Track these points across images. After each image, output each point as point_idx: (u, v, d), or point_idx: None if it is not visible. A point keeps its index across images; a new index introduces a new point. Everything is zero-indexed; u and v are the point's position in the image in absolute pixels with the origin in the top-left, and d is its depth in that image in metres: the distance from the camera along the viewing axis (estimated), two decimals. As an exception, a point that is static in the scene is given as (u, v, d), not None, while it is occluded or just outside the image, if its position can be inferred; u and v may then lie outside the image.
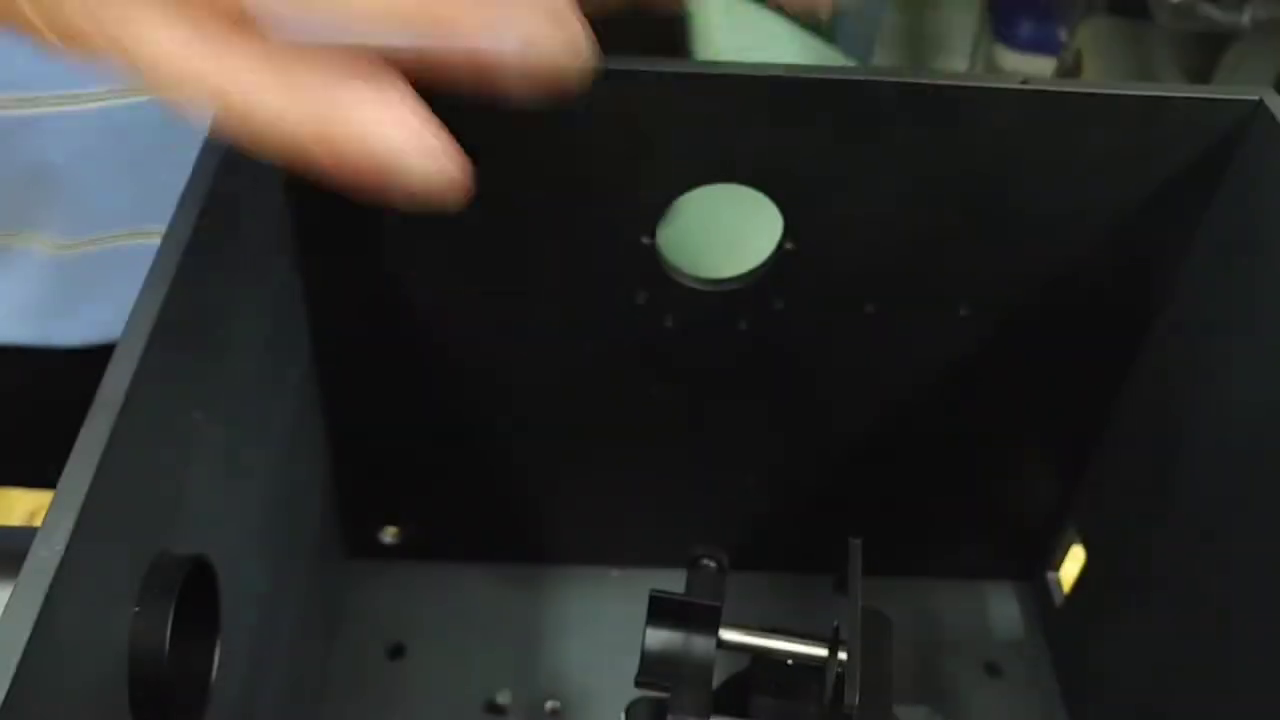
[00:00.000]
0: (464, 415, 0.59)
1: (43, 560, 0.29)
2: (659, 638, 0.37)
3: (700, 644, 0.36)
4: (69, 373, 0.62)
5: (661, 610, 0.37)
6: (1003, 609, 0.67)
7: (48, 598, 0.29)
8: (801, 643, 0.39)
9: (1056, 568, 0.65)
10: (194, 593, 0.36)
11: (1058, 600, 0.65)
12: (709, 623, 0.37)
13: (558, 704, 0.61)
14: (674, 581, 0.66)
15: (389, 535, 0.64)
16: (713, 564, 0.39)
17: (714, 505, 0.64)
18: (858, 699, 0.33)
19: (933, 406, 0.59)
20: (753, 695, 0.39)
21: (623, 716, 0.43)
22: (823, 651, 0.38)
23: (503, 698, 0.60)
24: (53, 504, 0.31)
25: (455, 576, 0.65)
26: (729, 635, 0.38)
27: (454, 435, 0.59)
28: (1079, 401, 0.59)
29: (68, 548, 0.30)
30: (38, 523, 0.63)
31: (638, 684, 0.37)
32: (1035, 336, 0.56)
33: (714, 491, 0.63)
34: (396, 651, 0.62)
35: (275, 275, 0.49)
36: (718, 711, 0.36)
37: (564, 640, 0.63)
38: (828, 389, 0.58)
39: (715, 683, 0.39)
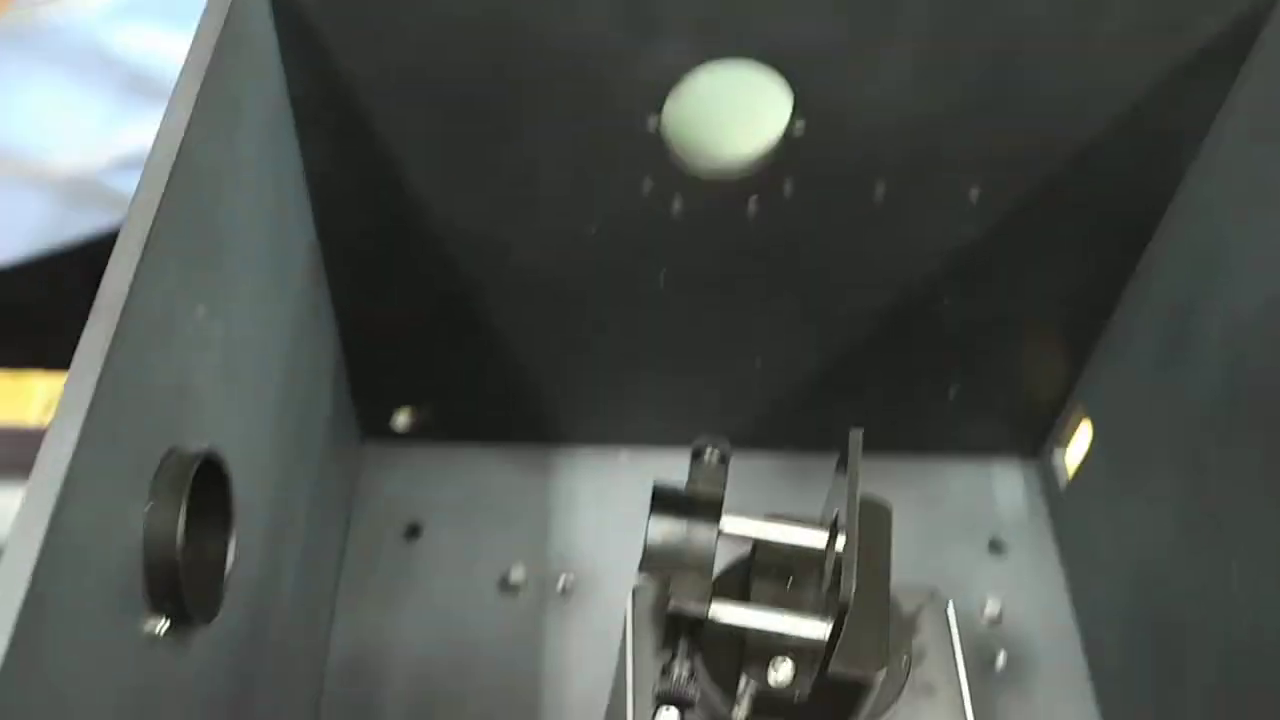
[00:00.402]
0: (470, 301, 0.59)
1: (52, 463, 0.30)
2: (661, 528, 0.37)
3: (701, 534, 0.37)
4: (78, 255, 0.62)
5: (664, 501, 0.38)
6: (1008, 487, 0.67)
7: (60, 499, 0.29)
8: (801, 530, 0.39)
9: (1064, 445, 0.66)
10: (207, 487, 0.37)
11: (1063, 479, 0.65)
12: (710, 513, 0.38)
13: (569, 580, 0.62)
14: (681, 462, 0.66)
15: (402, 419, 0.65)
16: (716, 454, 0.39)
17: (721, 388, 0.64)
18: (854, 590, 0.33)
19: (943, 288, 0.59)
20: (753, 580, 0.40)
21: (630, 597, 0.44)
22: (822, 540, 0.39)
23: (516, 575, 0.62)
24: (59, 408, 0.31)
25: (469, 458, 0.66)
26: (730, 524, 0.39)
27: (461, 321, 0.60)
28: (1091, 283, 0.59)
29: (76, 450, 0.30)
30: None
31: (639, 577, 0.37)
32: (1049, 219, 0.55)
33: (721, 374, 0.63)
34: (413, 532, 0.64)
35: (275, 164, 0.48)
36: (718, 597, 0.37)
37: (575, 519, 0.64)
38: (836, 273, 0.58)
39: (717, 569, 0.40)
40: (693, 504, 0.38)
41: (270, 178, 0.48)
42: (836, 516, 0.38)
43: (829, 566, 0.38)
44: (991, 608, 0.62)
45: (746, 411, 0.66)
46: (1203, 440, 0.52)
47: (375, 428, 0.65)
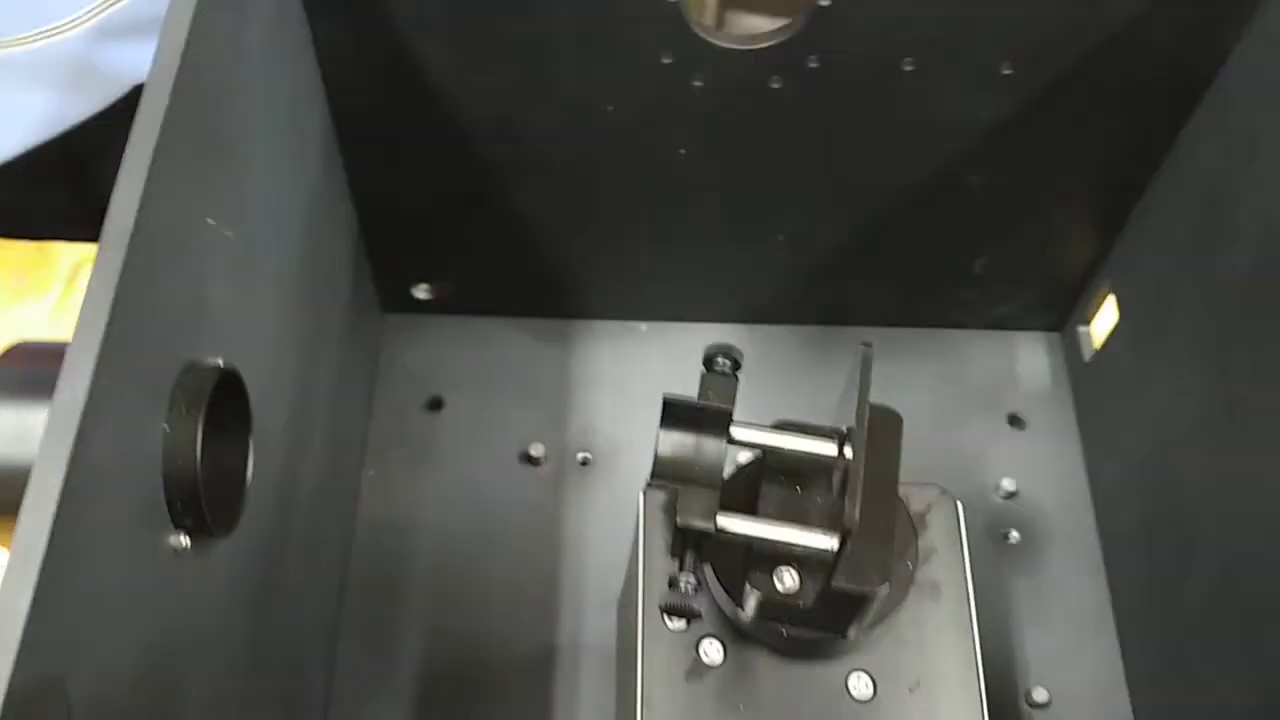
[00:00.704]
0: (488, 179, 0.58)
1: (72, 387, 0.30)
2: (671, 440, 0.38)
3: (710, 447, 0.37)
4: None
5: (674, 413, 0.38)
6: (1031, 361, 0.67)
7: (81, 422, 0.30)
8: (810, 440, 0.39)
9: (1089, 321, 0.65)
10: (226, 400, 0.37)
11: (1087, 354, 0.65)
12: (720, 427, 0.38)
13: (589, 455, 0.63)
14: (701, 335, 0.66)
15: (423, 291, 0.65)
16: (727, 364, 0.39)
17: (744, 261, 0.64)
18: (857, 516, 0.34)
19: (971, 163, 0.57)
20: (763, 484, 0.40)
21: (641, 496, 0.45)
22: (831, 449, 0.39)
23: (536, 450, 0.63)
24: (76, 332, 0.31)
25: (490, 331, 0.66)
26: (740, 433, 0.39)
27: (479, 199, 0.59)
28: (1123, 160, 0.57)
29: (95, 372, 0.30)
30: (83, 276, 0.64)
31: (649, 485, 0.38)
32: (1083, 95, 0.54)
33: (744, 249, 0.63)
34: (435, 404, 0.64)
35: (285, 50, 0.47)
36: (726, 507, 0.37)
37: (595, 393, 0.65)
38: (861, 148, 0.57)
39: (728, 471, 0.40)
40: (703, 417, 0.38)
41: (281, 65, 0.47)
42: (847, 429, 0.38)
43: (836, 479, 0.39)
44: (1008, 483, 0.63)
45: (769, 285, 0.65)
46: (1228, 328, 0.52)
47: (396, 301, 0.65)
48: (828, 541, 0.37)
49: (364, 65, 0.52)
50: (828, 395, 0.67)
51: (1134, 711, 0.57)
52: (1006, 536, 0.62)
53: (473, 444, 0.63)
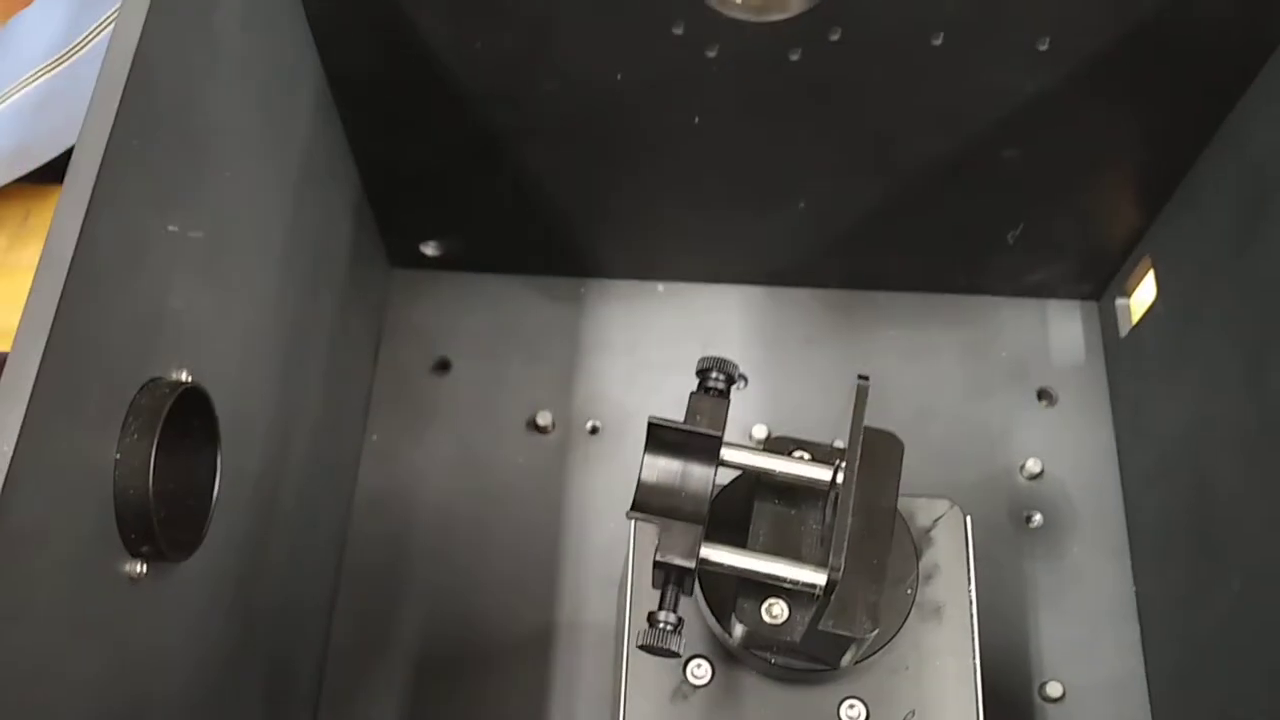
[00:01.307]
0: (495, 141, 0.55)
1: (7, 419, 0.29)
2: (656, 467, 0.35)
3: (697, 477, 0.35)
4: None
5: (660, 439, 0.36)
6: (1064, 331, 0.64)
7: (15, 453, 0.28)
8: (802, 466, 0.37)
9: (1128, 294, 0.62)
10: (187, 412, 0.35)
11: (1124, 328, 0.62)
12: (708, 455, 0.36)
13: (598, 423, 0.61)
14: (720, 297, 0.64)
15: (431, 248, 0.63)
16: (721, 380, 0.37)
17: (763, 225, 0.61)
18: (842, 566, 0.32)
19: (1006, 136, 0.54)
20: (756, 501, 0.38)
21: (631, 524, 0.43)
22: (825, 474, 0.37)
23: (543, 418, 0.61)
24: (10, 360, 0.30)
25: (500, 288, 0.64)
26: (730, 455, 0.37)
27: (486, 159, 0.56)
28: (1170, 132, 0.53)
29: (31, 403, 0.29)
30: (34, 222, 0.60)
31: (630, 516, 0.36)
32: (1129, 68, 0.50)
33: (763, 213, 0.60)
34: (442, 366, 0.63)
35: (267, 18, 0.45)
36: (715, 526, 0.35)
37: (607, 357, 0.63)
38: (889, 122, 0.53)
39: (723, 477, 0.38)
40: (691, 442, 0.36)
41: (263, 34, 0.44)
42: (839, 458, 0.36)
43: (828, 510, 0.37)
44: (1033, 464, 0.60)
45: (790, 249, 0.62)
46: (1270, 316, 0.48)
47: (404, 256, 0.63)
48: (816, 577, 0.35)
49: (358, 29, 0.49)
50: (848, 361, 0.65)
51: (1152, 710, 0.55)
52: (1029, 520, 0.59)
53: (479, 410, 0.61)
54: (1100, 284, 0.63)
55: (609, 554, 0.58)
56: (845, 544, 0.32)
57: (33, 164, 0.56)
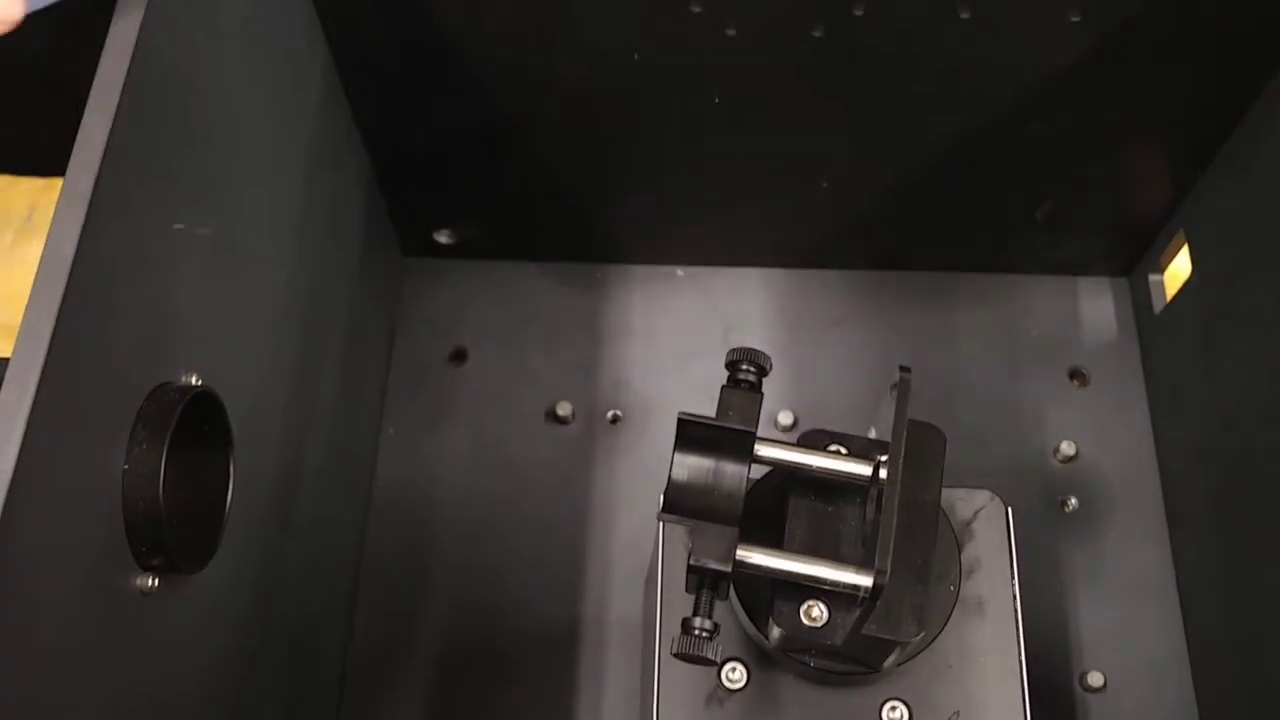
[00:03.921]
0: (510, 123, 0.53)
1: (8, 430, 0.27)
2: (687, 466, 0.34)
3: (730, 475, 0.34)
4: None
5: (691, 436, 0.34)
6: (1096, 308, 0.62)
7: (15, 468, 0.27)
8: (842, 461, 0.36)
9: (1161, 270, 0.60)
10: (199, 417, 0.34)
11: (1158, 305, 0.60)
12: (741, 452, 0.34)
13: (619, 412, 0.60)
14: (741, 280, 0.62)
15: (444, 236, 0.61)
16: (752, 372, 0.35)
17: (786, 206, 0.59)
18: (889, 568, 0.30)
19: (1035, 110, 0.52)
20: (790, 498, 0.37)
21: (660, 524, 0.41)
22: (865, 470, 0.35)
23: (564, 409, 0.59)
24: (10, 373, 0.28)
25: (516, 275, 0.62)
26: (765, 451, 0.35)
27: (500, 141, 0.55)
28: (1206, 103, 0.52)
29: (32, 413, 0.27)
30: (39, 216, 0.59)
31: (661, 518, 0.34)
32: (1162, 43, 0.48)
33: (785, 193, 0.58)
34: (458, 356, 0.61)
35: (273, 9, 0.43)
36: (747, 528, 0.34)
37: (627, 345, 0.61)
38: (915, 97, 0.51)
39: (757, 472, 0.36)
40: (723, 439, 0.34)
41: (268, 26, 0.42)
42: (879, 459, 0.34)
43: (871, 501, 0.35)
44: (1067, 447, 0.59)
45: (814, 230, 0.61)
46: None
47: (417, 244, 0.62)
48: (859, 579, 0.34)
49: (365, 9, 0.47)
50: (874, 343, 0.63)
51: (1197, 697, 0.54)
52: (1064, 504, 0.58)
53: (497, 401, 0.60)
54: (1131, 259, 0.61)
55: (634, 548, 0.56)
56: (892, 544, 0.31)
57: None
